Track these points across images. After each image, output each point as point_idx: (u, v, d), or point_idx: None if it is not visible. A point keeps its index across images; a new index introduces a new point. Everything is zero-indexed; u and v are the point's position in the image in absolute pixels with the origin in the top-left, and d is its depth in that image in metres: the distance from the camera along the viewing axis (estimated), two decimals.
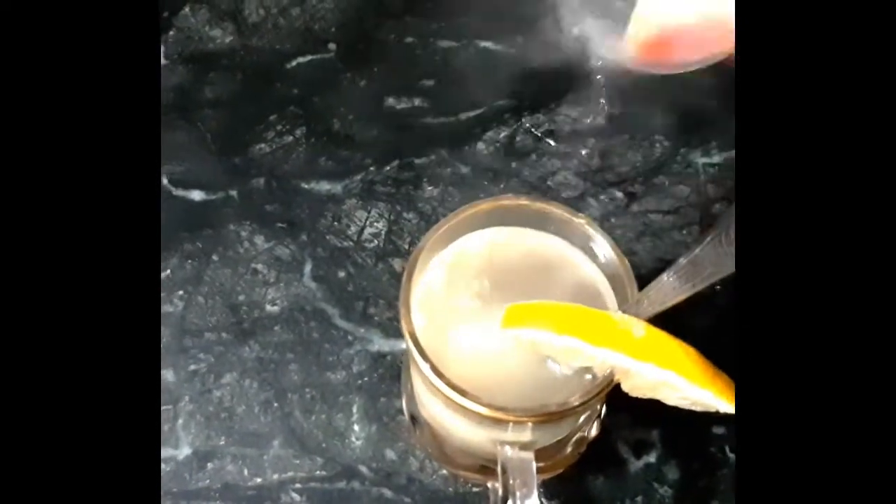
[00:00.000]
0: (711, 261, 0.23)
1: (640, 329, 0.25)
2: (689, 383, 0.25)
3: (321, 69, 0.46)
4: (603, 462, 0.36)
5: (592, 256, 0.30)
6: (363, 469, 0.36)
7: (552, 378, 0.28)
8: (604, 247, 0.30)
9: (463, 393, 0.27)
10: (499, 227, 0.31)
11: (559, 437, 0.31)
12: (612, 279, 0.30)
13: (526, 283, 0.30)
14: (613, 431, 0.37)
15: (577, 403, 0.26)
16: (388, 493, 0.36)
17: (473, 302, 0.30)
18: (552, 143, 0.44)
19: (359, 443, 0.37)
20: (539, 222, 0.31)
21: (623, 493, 0.36)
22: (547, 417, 0.26)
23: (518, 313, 0.27)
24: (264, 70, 0.46)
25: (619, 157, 0.44)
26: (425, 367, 0.27)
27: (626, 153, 0.44)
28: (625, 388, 0.27)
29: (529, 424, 0.27)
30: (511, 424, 0.28)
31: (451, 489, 0.36)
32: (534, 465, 0.28)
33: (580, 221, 0.30)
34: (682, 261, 0.25)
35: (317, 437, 0.37)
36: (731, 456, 0.37)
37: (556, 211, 0.30)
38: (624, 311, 0.27)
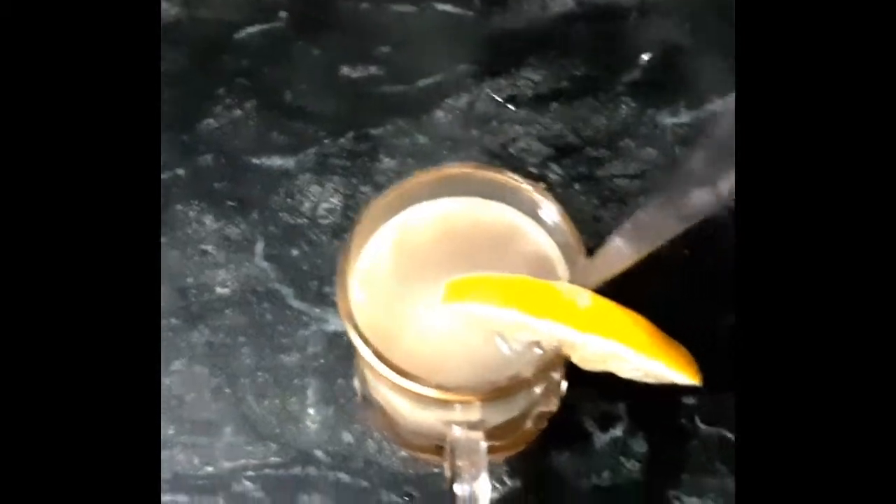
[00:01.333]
0: (656, 223, 0.22)
1: (586, 299, 0.24)
2: (637, 354, 0.23)
3: (272, 39, 0.44)
4: (568, 437, 0.35)
5: (544, 225, 0.29)
6: (319, 454, 0.35)
7: (502, 354, 0.27)
8: (553, 214, 0.28)
9: (403, 374, 0.25)
10: (447, 198, 0.29)
11: (513, 415, 0.29)
12: (564, 248, 0.28)
13: (477, 257, 0.28)
14: (578, 405, 0.35)
15: (521, 380, 0.25)
16: (345, 477, 0.35)
17: (421, 278, 0.28)
18: (514, 108, 0.42)
19: (314, 427, 0.35)
20: (489, 191, 0.29)
21: (589, 469, 0.35)
22: (491, 395, 0.25)
23: (459, 287, 0.26)
24: (212, 42, 0.44)
25: (584, 120, 0.42)
26: (363, 349, 0.26)
27: (590, 116, 0.42)
28: (575, 361, 0.26)
29: (477, 403, 0.26)
30: (458, 404, 0.26)
31: (410, 471, 0.34)
32: (483, 444, 0.26)
33: (528, 188, 0.28)
34: (627, 224, 0.23)
35: (270, 423, 0.36)
36: (701, 427, 0.35)
37: (505, 178, 0.28)
38: (571, 281, 0.25)
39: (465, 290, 0.25)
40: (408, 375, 0.25)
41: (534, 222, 0.29)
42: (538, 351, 0.26)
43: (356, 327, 0.26)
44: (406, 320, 0.28)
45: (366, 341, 0.26)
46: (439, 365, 0.27)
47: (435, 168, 0.28)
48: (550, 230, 0.28)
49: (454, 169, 0.28)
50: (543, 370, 0.25)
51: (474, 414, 0.27)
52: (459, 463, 0.26)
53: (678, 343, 0.25)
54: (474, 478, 0.26)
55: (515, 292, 0.24)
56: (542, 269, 0.28)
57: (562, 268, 0.28)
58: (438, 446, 0.32)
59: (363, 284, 0.28)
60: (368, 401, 0.33)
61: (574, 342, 0.24)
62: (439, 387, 0.25)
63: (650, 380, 0.25)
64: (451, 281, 0.26)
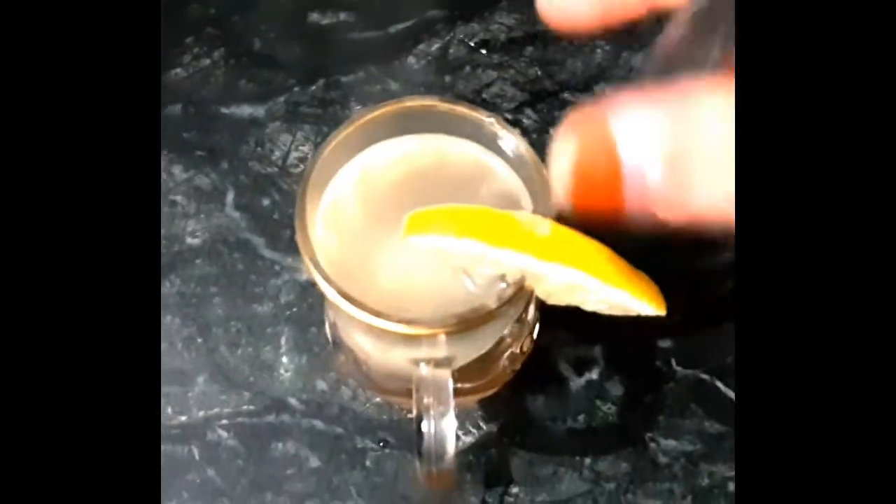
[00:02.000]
0: None
1: (545, 227, 0.23)
2: (600, 283, 0.23)
3: None
4: (542, 381, 0.35)
5: (509, 160, 0.28)
6: (293, 401, 0.35)
7: (467, 290, 0.27)
8: (518, 148, 0.27)
9: (366, 309, 0.25)
10: (410, 136, 0.29)
11: (481, 352, 0.29)
12: (529, 182, 0.27)
13: (442, 194, 0.28)
14: (553, 349, 0.35)
15: (484, 312, 0.25)
16: (319, 424, 0.34)
17: (386, 216, 0.28)
18: (487, 53, 0.42)
19: (288, 375, 0.35)
20: (453, 127, 0.29)
21: (564, 412, 0.35)
22: (455, 328, 0.25)
23: (419, 220, 0.25)
24: None
25: (558, 65, 0.41)
26: (324, 285, 0.25)
27: (565, 60, 0.41)
28: (540, 295, 0.25)
29: (442, 338, 0.26)
30: (424, 341, 0.26)
31: (384, 417, 0.34)
32: (450, 382, 0.26)
33: (491, 121, 0.27)
34: None
35: (243, 372, 0.35)
36: (678, 370, 0.35)
37: (468, 112, 0.28)
38: (534, 211, 0.25)
39: (424, 222, 0.25)
40: (370, 310, 0.25)
41: (499, 158, 0.28)
42: (503, 285, 0.26)
43: (316, 264, 0.26)
44: (371, 260, 0.27)
45: (327, 279, 0.25)
46: (405, 302, 0.26)
47: (396, 101, 0.28)
48: (516, 165, 0.28)
49: (415, 102, 0.28)
50: (507, 302, 0.25)
51: (440, 350, 0.27)
52: (426, 401, 0.26)
53: (642, 272, 0.24)
54: (441, 416, 0.26)
55: (473, 222, 0.24)
56: (508, 204, 0.27)
57: (527, 202, 0.27)
58: (410, 390, 0.31)
59: (327, 225, 0.28)
60: (339, 346, 0.33)
61: (536, 272, 0.23)
62: (402, 320, 0.25)
63: (616, 312, 0.25)
64: (413, 213, 0.26)
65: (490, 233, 0.23)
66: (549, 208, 0.25)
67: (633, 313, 0.24)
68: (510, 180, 0.28)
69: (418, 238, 0.25)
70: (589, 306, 0.25)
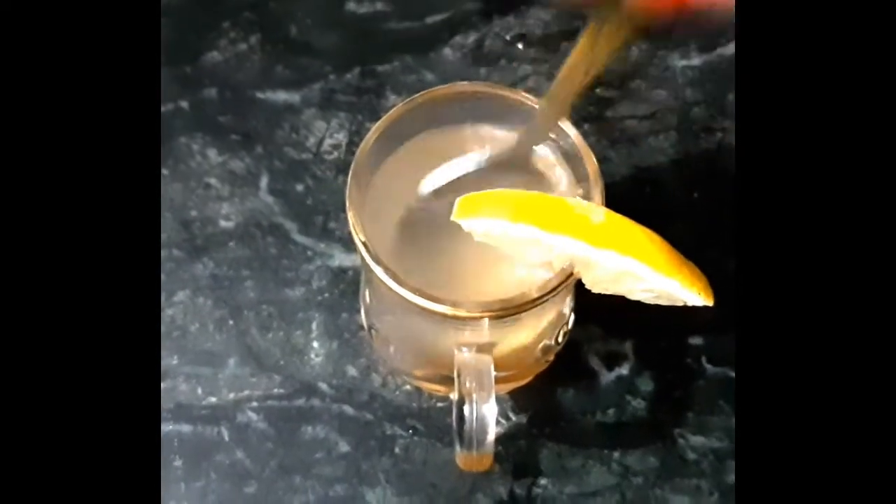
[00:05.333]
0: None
1: (599, 214, 0.23)
2: (652, 271, 0.23)
3: None
4: (573, 375, 0.35)
5: (557, 148, 0.28)
6: (323, 386, 0.35)
7: (512, 276, 0.27)
8: (567, 135, 0.27)
9: (418, 291, 0.25)
10: (458, 124, 0.29)
11: (521, 341, 0.29)
12: (577, 170, 0.28)
13: (489, 178, 0.28)
14: (584, 344, 0.35)
15: (532, 297, 0.25)
16: (349, 409, 0.34)
17: (434, 200, 0.28)
18: (523, 47, 0.42)
19: (318, 360, 0.35)
20: (502, 114, 0.29)
21: (594, 406, 0.35)
22: (503, 312, 0.25)
23: (471, 203, 0.25)
24: None
25: None
26: (376, 267, 0.25)
27: None
28: (586, 282, 0.25)
29: (486, 322, 0.26)
30: (468, 323, 0.26)
31: (414, 404, 0.34)
32: (492, 367, 0.26)
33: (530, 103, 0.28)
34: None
35: (274, 355, 0.35)
36: (708, 367, 0.35)
37: (517, 98, 0.28)
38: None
39: (476, 205, 0.25)
40: (418, 291, 0.25)
41: (546, 147, 0.28)
42: (548, 273, 0.26)
43: (367, 246, 0.26)
44: (418, 243, 0.28)
45: (376, 258, 0.25)
46: (450, 286, 0.26)
47: (448, 85, 0.28)
48: (565, 153, 0.28)
49: (466, 87, 0.28)
50: (553, 289, 0.25)
51: (483, 335, 0.27)
52: (468, 385, 0.26)
53: (691, 263, 0.24)
54: (483, 400, 0.26)
55: (528, 207, 0.24)
56: (556, 192, 0.27)
57: (574, 190, 0.27)
58: (445, 376, 0.31)
59: (374, 207, 0.28)
60: (374, 331, 0.33)
61: (588, 259, 0.23)
62: (448, 302, 0.25)
63: (662, 301, 0.25)
64: (464, 197, 0.26)
65: (545, 218, 0.23)
66: (599, 195, 0.25)
67: (680, 303, 0.24)
68: (559, 168, 0.28)
69: (469, 221, 0.25)
70: (635, 295, 0.25)
